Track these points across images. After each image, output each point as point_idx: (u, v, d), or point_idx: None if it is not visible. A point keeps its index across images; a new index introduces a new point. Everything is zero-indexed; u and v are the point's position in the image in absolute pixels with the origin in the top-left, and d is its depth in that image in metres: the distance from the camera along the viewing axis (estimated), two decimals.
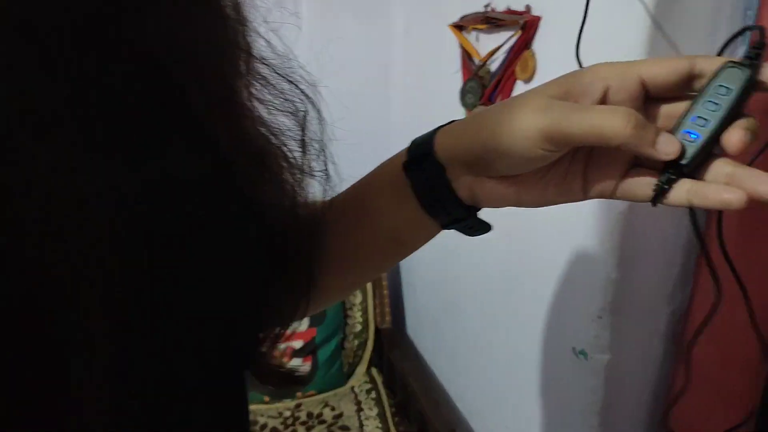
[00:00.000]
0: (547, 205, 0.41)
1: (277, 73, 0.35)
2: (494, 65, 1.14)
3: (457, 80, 1.26)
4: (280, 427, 1.46)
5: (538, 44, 1.00)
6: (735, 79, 0.33)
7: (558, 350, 1.00)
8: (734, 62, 0.34)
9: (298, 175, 0.38)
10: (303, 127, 0.38)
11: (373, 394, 1.59)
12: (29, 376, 0.24)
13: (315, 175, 0.40)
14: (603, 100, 0.35)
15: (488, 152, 0.37)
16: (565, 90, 0.36)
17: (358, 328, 1.66)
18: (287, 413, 1.51)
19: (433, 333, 1.60)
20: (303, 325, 1.54)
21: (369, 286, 1.67)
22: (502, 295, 1.17)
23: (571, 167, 0.39)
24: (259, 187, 0.35)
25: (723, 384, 0.81)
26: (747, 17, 0.70)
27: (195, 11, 0.28)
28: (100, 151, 0.25)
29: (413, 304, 1.73)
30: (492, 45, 1.13)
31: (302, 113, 0.37)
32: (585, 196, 0.39)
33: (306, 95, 0.37)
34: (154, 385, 0.29)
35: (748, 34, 0.71)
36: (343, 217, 0.46)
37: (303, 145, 0.38)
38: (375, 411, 1.52)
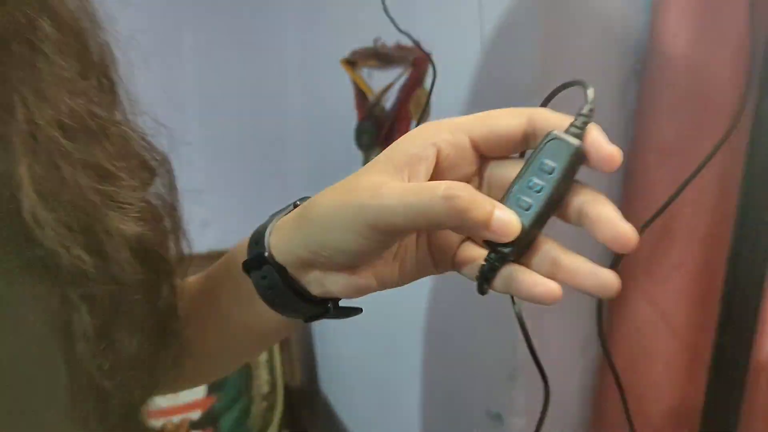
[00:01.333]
0: (409, 282, 0.38)
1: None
2: (389, 103, 1.07)
3: (353, 120, 1.18)
4: None
5: (432, 81, 0.93)
6: (560, 155, 0.29)
7: (473, 413, 0.91)
8: (557, 136, 0.30)
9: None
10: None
11: None
12: None
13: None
14: (439, 164, 0.32)
15: (325, 249, 0.33)
16: (400, 159, 0.32)
17: (266, 389, 1.52)
18: None
19: (349, 388, 1.49)
20: (199, 392, 1.39)
21: (275, 345, 1.54)
22: (414, 351, 1.08)
23: (419, 241, 0.36)
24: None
25: None
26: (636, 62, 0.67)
27: None
28: None
29: (326, 357, 1.62)
30: (385, 82, 1.06)
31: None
32: (438, 271, 0.37)
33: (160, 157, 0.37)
34: None
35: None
36: (194, 309, 0.43)
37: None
38: None
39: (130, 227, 0.32)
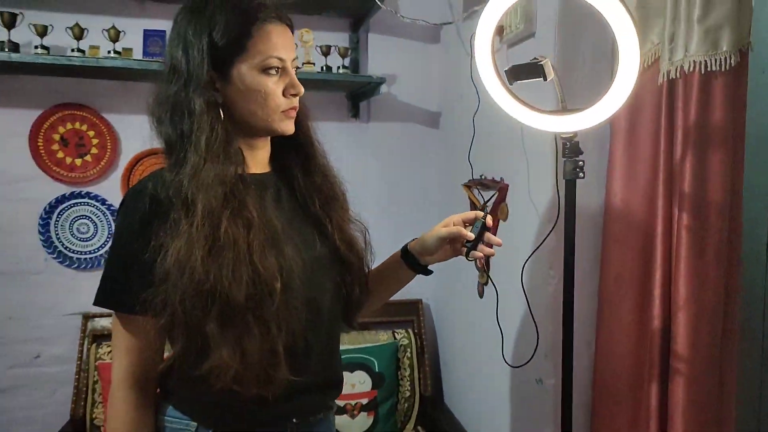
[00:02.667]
0: (447, 259, 1.11)
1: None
2: (488, 209, 1.87)
3: None
4: None
5: (510, 200, 1.73)
6: (480, 221, 1.04)
7: (528, 380, 1.61)
8: (480, 218, 1.04)
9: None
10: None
11: None
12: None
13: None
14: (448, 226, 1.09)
15: (428, 247, 1.09)
16: (444, 224, 1.08)
17: (408, 393, 2.27)
18: None
19: (462, 399, 2.20)
20: (367, 386, 2.17)
21: (415, 363, 2.29)
22: (489, 359, 1.80)
23: (450, 244, 1.09)
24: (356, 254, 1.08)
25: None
26: (601, 213, 1.40)
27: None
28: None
29: (449, 378, 2.35)
30: (485, 198, 1.87)
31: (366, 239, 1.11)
32: (455, 254, 1.09)
33: (363, 225, 1.12)
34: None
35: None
36: (376, 274, 1.18)
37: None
38: None
39: (360, 247, 1.10)
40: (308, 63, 2.07)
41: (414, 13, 2.22)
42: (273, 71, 0.93)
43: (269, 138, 1.02)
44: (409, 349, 2.31)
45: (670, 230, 1.25)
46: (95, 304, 0.93)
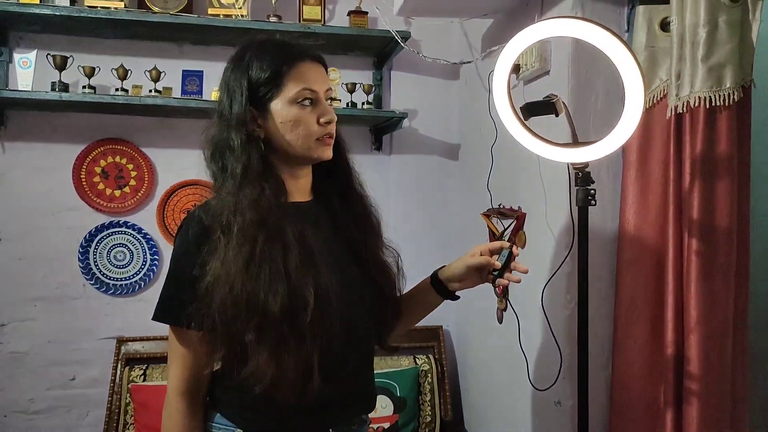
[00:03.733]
0: (474, 286, 1.19)
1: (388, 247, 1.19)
2: (506, 238, 1.95)
3: None
4: None
5: (527, 227, 1.81)
6: (506, 251, 1.13)
7: (547, 403, 1.66)
8: (507, 247, 1.13)
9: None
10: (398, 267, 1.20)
11: None
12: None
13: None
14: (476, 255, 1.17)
15: (456, 275, 1.17)
16: (472, 253, 1.16)
17: (429, 418, 2.32)
18: None
19: (482, 423, 2.24)
20: (389, 410, 2.22)
21: (435, 387, 2.34)
22: (509, 383, 1.85)
23: (477, 271, 1.17)
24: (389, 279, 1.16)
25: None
26: (615, 240, 1.47)
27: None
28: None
29: (468, 403, 2.39)
30: (504, 226, 1.95)
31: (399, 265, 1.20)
32: (482, 281, 1.17)
33: (396, 252, 1.20)
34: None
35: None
36: (407, 298, 1.26)
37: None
38: None
39: (393, 272, 1.19)
40: (334, 99, 2.19)
41: (435, 52, 2.34)
42: (306, 102, 1.03)
43: (311, 167, 1.12)
44: (429, 374, 2.36)
45: (681, 255, 1.32)
46: (154, 319, 1.03)
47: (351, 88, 2.24)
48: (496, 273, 1.11)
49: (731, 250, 1.25)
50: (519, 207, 1.89)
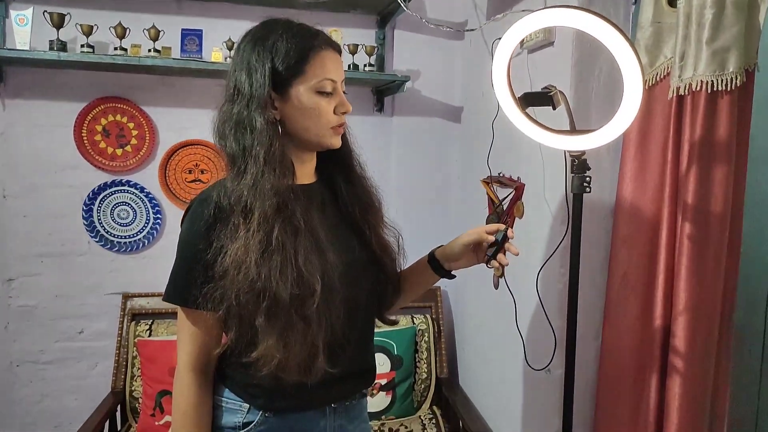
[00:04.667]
0: (473, 265, 1.22)
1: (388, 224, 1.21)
2: (505, 206, 1.96)
3: (485, 213, 2.09)
4: None
5: (526, 197, 1.83)
6: (501, 232, 1.13)
7: (541, 370, 1.72)
8: (502, 229, 1.14)
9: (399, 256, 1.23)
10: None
11: (434, 422, 2.30)
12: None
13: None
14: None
15: (452, 254, 1.20)
16: (468, 233, 1.17)
17: (425, 375, 2.40)
18: (375, 428, 2.24)
19: (475, 382, 2.32)
20: (386, 368, 2.31)
21: (432, 346, 2.42)
22: (512, 349, 1.91)
23: (473, 251, 1.19)
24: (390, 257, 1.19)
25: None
26: (611, 213, 1.48)
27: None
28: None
29: (463, 362, 2.47)
30: (503, 195, 1.96)
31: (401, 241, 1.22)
32: (478, 261, 1.19)
33: (397, 231, 1.21)
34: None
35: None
36: (406, 275, 1.29)
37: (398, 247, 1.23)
38: (435, 430, 2.23)
39: (394, 251, 1.22)
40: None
41: (439, 11, 2.29)
42: (326, 92, 1.04)
43: (315, 152, 1.13)
44: (426, 334, 2.43)
45: (674, 237, 1.33)
46: (164, 299, 1.06)
47: (353, 50, 2.21)
48: (489, 253, 1.14)
49: (723, 236, 1.27)
50: (518, 178, 1.90)
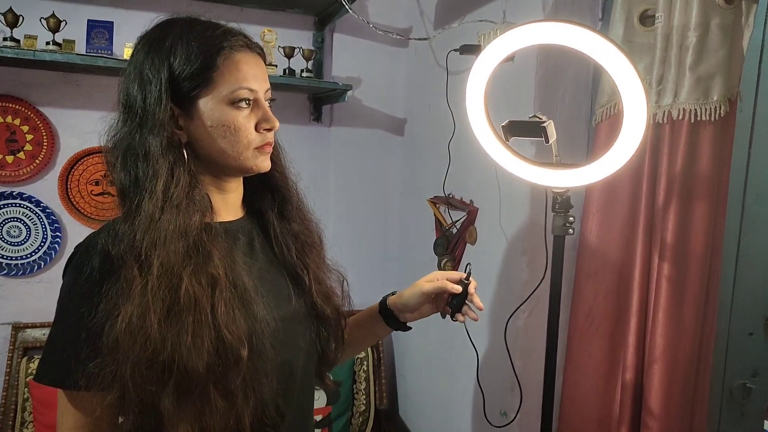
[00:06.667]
0: (428, 316, 1.05)
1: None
2: (454, 230, 1.82)
3: (432, 236, 1.94)
4: None
5: (478, 223, 1.68)
6: (465, 282, 0.99)
7: (494, 413, 1.59)
8: (463, 281, 0.99)
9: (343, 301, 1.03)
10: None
11: None
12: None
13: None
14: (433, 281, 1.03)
15: (407, 306, 1.03)
16: (427, 279, 1.01)
17: (363, 408, 2.22)
18: None
19: (418, 413, 2.17)
20: (322, 402, 2.11)
21: (371, 375, 2.24)
22: (459, 379, 1.77)
23: (432, 303, 1.03)
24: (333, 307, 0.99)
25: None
26: (575, 247, 1.37)
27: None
28: None
29: (405, 392, 2.31)
30: (452, 218, 1.81)
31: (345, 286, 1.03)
32: (437, 311, 1.04)
33: (341, 274, 1.03)
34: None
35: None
36: (352, 328, 1.10)
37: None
38: None
39: (338, 298, 1.03)
40: (270, 65, 1.94)
41: (382, 18, 2.12)
42: (243, 104, 0.83)
43: (241, 179, 0.92)
44: (366, 362, 2.25)
45: (648, 278, 1.23)
46: (36, 380, 0.81)
47: (289, 53, 1.99)
48: (453, 306, 0.99)
49: (703, 278, 1.17)
50: (471, 201, 1.76)
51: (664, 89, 1.18)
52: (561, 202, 0.98)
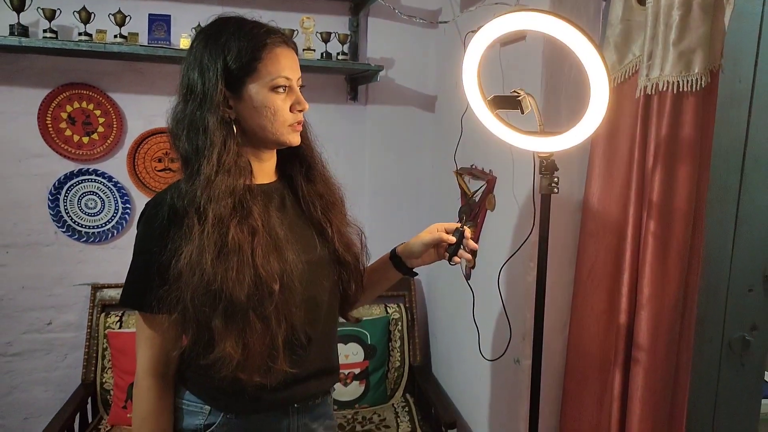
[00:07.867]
0: (432, 263, 1.23)
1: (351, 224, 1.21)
2: (477, 198, 1.98)
3: (458, 203, 2.10)
4: (345, 424, 2.21)
5: (497, 190, 1.84)
6: (459, 231, 1.15)
7: (507, 361, 1.76)
8: (458, 230, 1.16)
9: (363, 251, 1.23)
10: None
11: (407, 409, 2.33)
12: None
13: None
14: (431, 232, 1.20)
15: (414, 251, 1.21)
16: (428, 231, 1.19)
17: (398, 363, 2.43)
18: (349, 416, 2.26)
19: (448, 369, 2.35)
20: (359, 357, 2.32)
21: (405, 335, 2.44)
22: (474, 336, 1.94)
23: (433, 250, 1.21)
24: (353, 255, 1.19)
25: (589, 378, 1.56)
26: (579, 210, 1.50)
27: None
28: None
29: (436, 350, 2.50)
30: (475, 187, 1.97)
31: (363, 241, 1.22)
32: (439, 258, 1.21)
33: (360, 228, 1.23)
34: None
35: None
36: (368, 272, 1.28)
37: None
38: (407, 418, 2.26)
39: (356, 248, 1.21)
40: (308, 50, 2.13)
41: (413, 0, 2.27)
42: (281, 89, 1.03)
43: (275, 150, 1.12)
44: (400, 323, 2.45)
45: (639, 234, 1.36)
46: (120, 304, 1.05)
47: (326, 38, 2.18)
48: (450, 250, 1.15)
49: (687, 232, 1.30)
50: (490, 170, 1.91)
51: (653, 64, 1.30)
52: (546, 165, 1.13)
